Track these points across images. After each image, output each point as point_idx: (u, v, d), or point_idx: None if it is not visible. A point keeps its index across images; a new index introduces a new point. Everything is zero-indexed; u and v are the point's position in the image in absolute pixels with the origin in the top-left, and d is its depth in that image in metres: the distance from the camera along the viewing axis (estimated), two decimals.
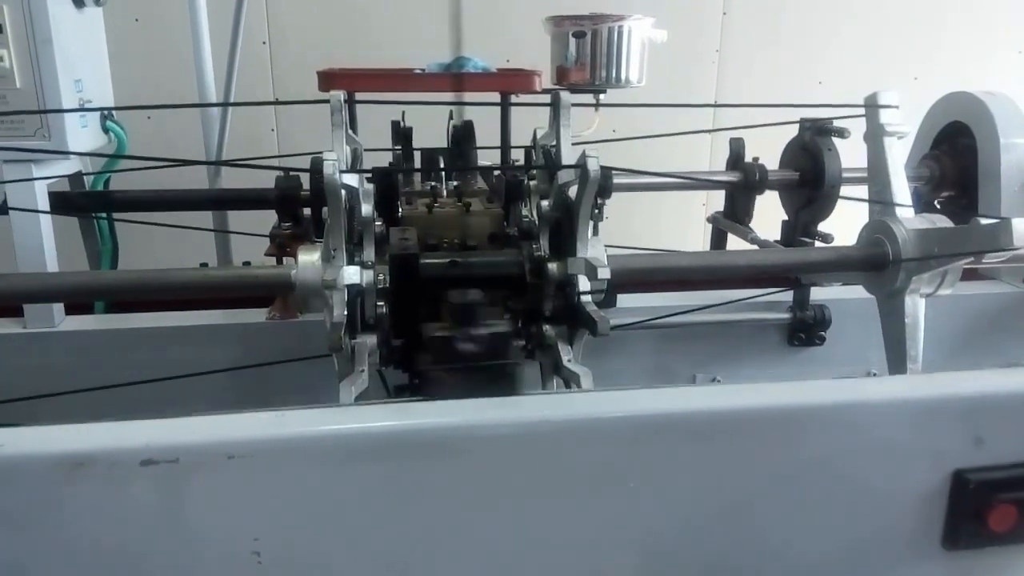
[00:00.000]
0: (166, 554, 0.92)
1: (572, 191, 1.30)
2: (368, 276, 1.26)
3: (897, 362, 1.51)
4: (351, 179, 1.25)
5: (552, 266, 1.32)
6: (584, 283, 1.26)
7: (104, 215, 2.06)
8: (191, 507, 0.90)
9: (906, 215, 1.47)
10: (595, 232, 1.37)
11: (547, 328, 1.37)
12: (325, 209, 1.25)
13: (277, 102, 3.04)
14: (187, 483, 0.89)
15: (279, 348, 1.87)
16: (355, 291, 1.25)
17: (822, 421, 1.00)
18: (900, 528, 1.04)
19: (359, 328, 1.32)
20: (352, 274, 1.20)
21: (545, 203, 1.37)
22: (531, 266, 1.35)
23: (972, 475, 1.00)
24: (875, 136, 1.60)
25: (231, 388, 1.78)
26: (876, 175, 1.55)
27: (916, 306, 1.44)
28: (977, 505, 1.00)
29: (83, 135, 1.83)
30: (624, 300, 1.95)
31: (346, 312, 1.20)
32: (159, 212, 1.96)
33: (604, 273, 1.22)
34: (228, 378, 1.83)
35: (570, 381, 1.32)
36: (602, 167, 1.24)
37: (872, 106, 1.58)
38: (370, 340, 1.32)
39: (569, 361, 1.33)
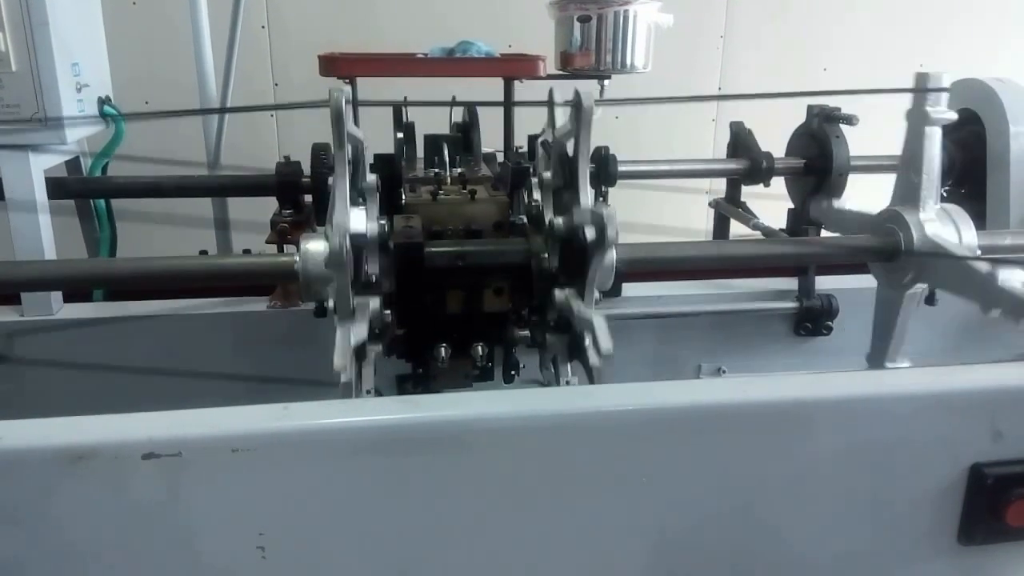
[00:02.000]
0: (169, 549, 0.90)
1: (570, 147, 1.27)
2: (372, 228, 1.23)
3: (879, 354, 1.50)
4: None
5: (558, 220, 1.29)
6: (591, 233, 1.22)
7: (102, 200, 2.03)
8: (194, 501, 0.88)
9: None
10: None
11: (557, 293, 1.34)
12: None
13: (278, 106, 2.97)
14: (190, 477, 0.87)
15: (281, 336, 1.85)
16: (358, 246, 1.22)
17: (837, 414, 0.98)
18: (916, 522, 1.02)
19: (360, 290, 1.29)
20: (357, 221, 1.17)
21: (547, 175, 1.34)
22: (531, 217, 1.33)
23: (990, 469, 0.98)
24: (916, 121, 1.49)
25: (233, 376, 1.77)
26: (909, 161, 1.48)
27: (910, 300, 1.43)
28: (994, 500, 0.98)
29: (80, 121, 1.80)
30: (628, 289, 1.93)
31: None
32: (158, 199, 1.94)
33: (612, 231, 1.18)
34: (230, 366, 1.81)
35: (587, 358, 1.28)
36: (608, 155, 1.22)
37: (919, 90, 1.51)
38: (373, 301, 1.29)
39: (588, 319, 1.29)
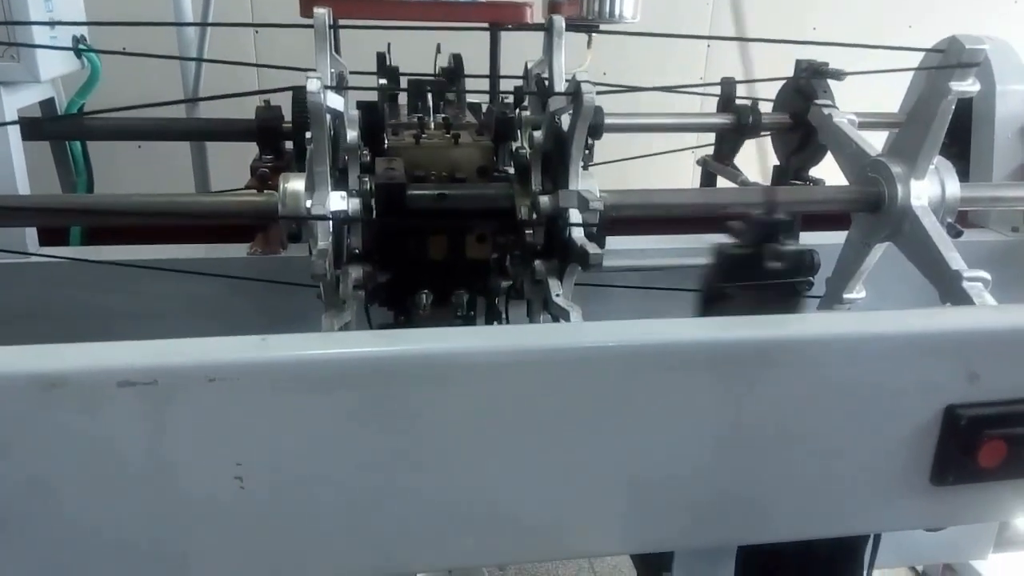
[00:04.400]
0: (144, 479, 0.89)
1: (564, 120, 1.26)
2: (354, 204, 1.22)
3: (833, 296, 1.51)
4: (336, 102, 1.20)
5: (544, 199, 1.29)
6: (576, 216, 1.23)
7: (78, 144, 1.99)
8: (171, 430, 0.87)
9: None
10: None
11: (537, 263, 1.35)
12: (308, 135, 1.21)
13: (259, 23, 2.93)
14: (166, 406, 0.86)
15: (262, 283, 1.83)
16: (340, 219, 1.21)
17: (814, 354, 0.99)
18: (890, 463, 1.03)
19: (345, 259, 1.29)
20: (337, 201, 1.16)
21: (537, 133, 1.33)
22: (522, 200, 1.32)
23: (964, 411, 0.99)
24: (934, 88, 1.36)
25: (212, 322, 1.75)
26: (918, 120, 1.40)
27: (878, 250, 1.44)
28: (967, 441, 0.99)
29: (55, 58, 1.75)
30: (610, 242, 1.91)
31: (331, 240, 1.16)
32: (136, 147, 1.91)
33: (596, 205, 1.20)
34: (209, 312, 1.80)
35: (559, 317, 1.30)
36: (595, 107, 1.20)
37: (935, 50, 1.41)
38: (355, 272, 1.29)
39: (558, 296, 1.31)
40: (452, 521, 0.98)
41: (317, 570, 0.96)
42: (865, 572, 1.64)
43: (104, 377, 0.84)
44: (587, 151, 1.50)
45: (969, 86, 1.30)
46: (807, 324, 1.01)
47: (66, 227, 1.96)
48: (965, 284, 1.18)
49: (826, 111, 1.69)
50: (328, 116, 1.15)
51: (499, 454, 0.97)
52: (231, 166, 1.91)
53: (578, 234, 1.23)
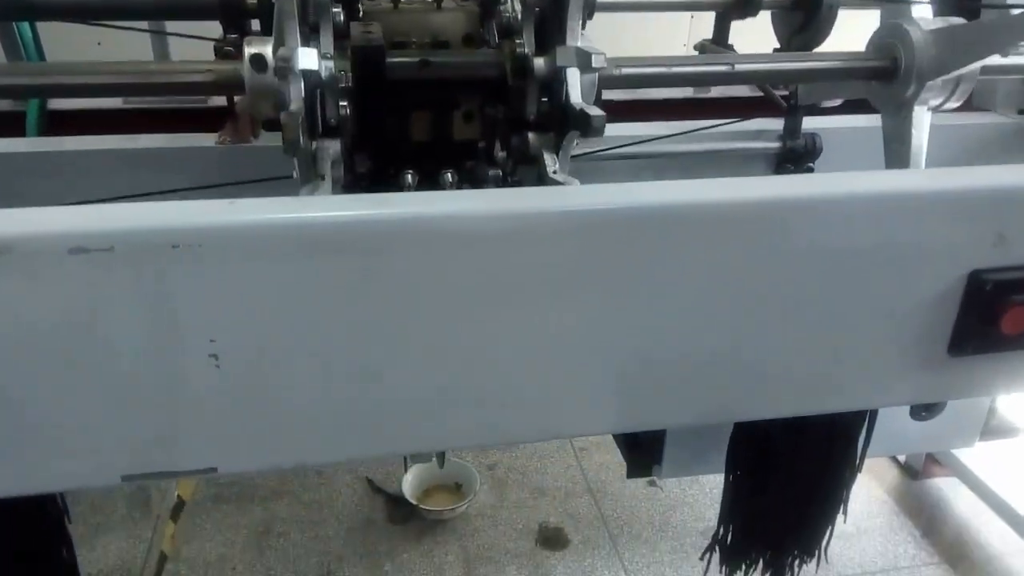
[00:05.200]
0: (106, 358, 0.81)
1: None
2: (328, 66, 1.11)
3: None
4: None
5: (538, 60, 1.18)
6: (575, 77, 1.12)
7: (27, 26, 1.84)
8: (131, 303, 0.79)
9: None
10: None
11: (531, 136, 1.25)
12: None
13: None
14: (124, 275, 0.78)
15: (232, 175, 1.73)
16: (313, 83, 1.10)
17: (833, 214, 0.91)
18: (905, 333, 0.98)
19: (320, 131, 1.18)
20: (308, 58, 1.04)
21: None
22: (514, 64, 1.21)
23: (989, 275, 0.93)
24: None
25: None
26: None
27: (922, 120, 1.34)
28: (991, 307, 0.94)
29: None
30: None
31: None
32: (86, 22, 1.76)
33: (599, 61, 1.08)
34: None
35: None
36: None
37: None
38: (333, 146, 1.19)
39: (555, 172, 1.22)
40: (437, 399, 0.92)
41: (301, 451, 0.91)
42: (859, 455, 1.63)
43: (54, 243, 0.75)
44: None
45: None
46: (821, 182, 0.94)
47: (22, 116, 1.84)
48: None
49: None
50: None
51: (485, 326, 0.90)
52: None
53: (577, 97, 1.13)
